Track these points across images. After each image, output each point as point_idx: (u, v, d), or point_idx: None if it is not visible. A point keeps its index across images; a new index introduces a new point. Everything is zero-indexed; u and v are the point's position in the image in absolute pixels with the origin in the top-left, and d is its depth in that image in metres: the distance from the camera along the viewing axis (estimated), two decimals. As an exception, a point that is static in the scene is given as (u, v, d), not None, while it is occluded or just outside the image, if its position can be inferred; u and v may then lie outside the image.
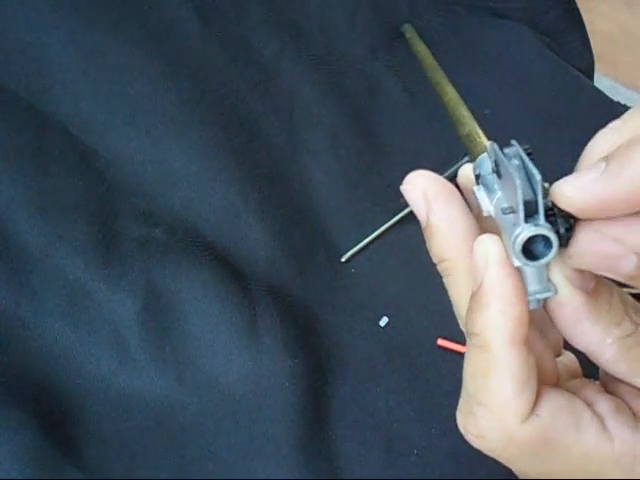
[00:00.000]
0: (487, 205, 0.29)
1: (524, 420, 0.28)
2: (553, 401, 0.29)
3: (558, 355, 0.35)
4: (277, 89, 0.59)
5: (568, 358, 0.35)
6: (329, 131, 0.59)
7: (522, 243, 0.26)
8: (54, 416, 0.44)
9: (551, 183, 0.27)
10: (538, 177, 0.26)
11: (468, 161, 0.33)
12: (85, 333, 0.46)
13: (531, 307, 0.28)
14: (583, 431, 0.29)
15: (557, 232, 0.27)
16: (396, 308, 0.52)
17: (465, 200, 0.31)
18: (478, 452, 0.30)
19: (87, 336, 0.46)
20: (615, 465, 0.29)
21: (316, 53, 0.61)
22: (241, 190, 0.53)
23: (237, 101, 0.56)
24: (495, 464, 0.31)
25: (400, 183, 0.32)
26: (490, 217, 0.30)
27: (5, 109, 0.49)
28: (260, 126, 0.56)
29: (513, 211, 0.27)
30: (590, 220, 0.26)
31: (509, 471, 0.31)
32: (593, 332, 0.29)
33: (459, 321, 0.31)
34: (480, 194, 0.30)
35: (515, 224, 0.27)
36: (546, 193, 0.27)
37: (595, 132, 0.29)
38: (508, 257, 0.28)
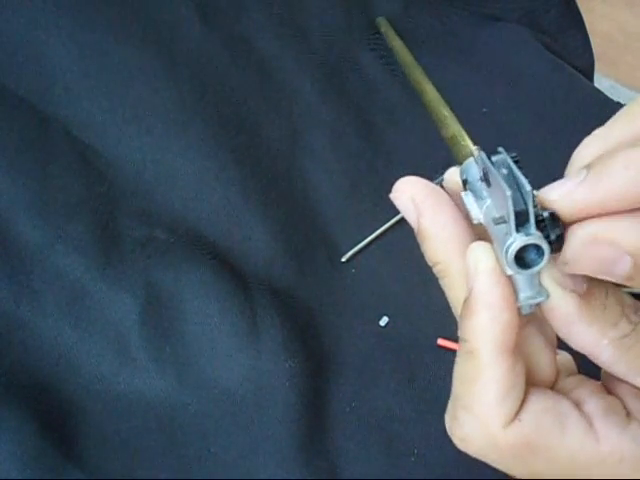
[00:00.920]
0: (476, 213, 0.29)
1: (507, 425, 0.28)
2: (538, 404, 0.29)
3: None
4: (277, 89, 0.59)
5: (563, 356, 0.35)
6: (329, 131, 0.59)
7: (514, 253, 0.27)
8: (54, 416, 0.44)
9: (539, 189, 0.27)
10: (528, 187, 0.26)
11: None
12: (85, 333, 0.46)
13: (524, 313, 0.29)
14: (568, 433, 0.29)
15: (548, 238, 0.27)
16: (396, 308, 0.52)
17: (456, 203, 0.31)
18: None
19: (87, 336, 0.46)
20: (601, 465, 0.29)
21: (316, 53, 0.62)
22: (241, 190, 0.53)
23: (237, 101, 0.56)
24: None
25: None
26: (480, 224, 0.30)
27: (5, 109, 0.49)
28: (260, 126, 0.56)
29: (504, 221, 0.27)
30: (580, 222, 0.27)
31: (509, 471, 0.31)
32: (588, 334, 0.29)
33: (458, 322, 0.31)
34: (468, 200, 0.30)
35: (507, 234, 0.27)
36: (535, 201, 0.27)
37: (594, 132, 0.29)
38: (498, 264, 0.28)
